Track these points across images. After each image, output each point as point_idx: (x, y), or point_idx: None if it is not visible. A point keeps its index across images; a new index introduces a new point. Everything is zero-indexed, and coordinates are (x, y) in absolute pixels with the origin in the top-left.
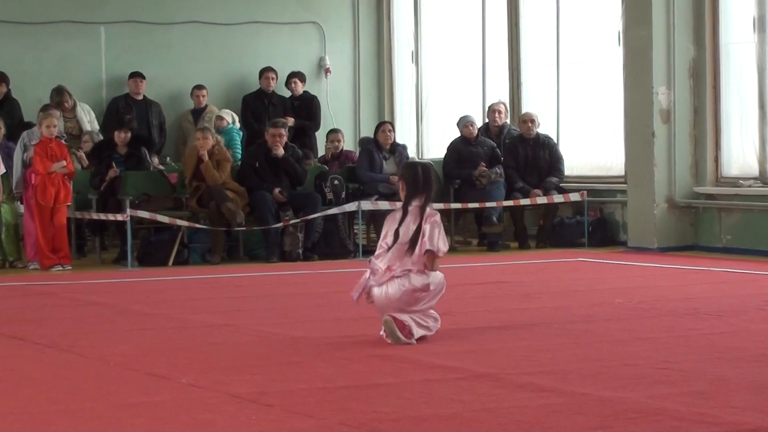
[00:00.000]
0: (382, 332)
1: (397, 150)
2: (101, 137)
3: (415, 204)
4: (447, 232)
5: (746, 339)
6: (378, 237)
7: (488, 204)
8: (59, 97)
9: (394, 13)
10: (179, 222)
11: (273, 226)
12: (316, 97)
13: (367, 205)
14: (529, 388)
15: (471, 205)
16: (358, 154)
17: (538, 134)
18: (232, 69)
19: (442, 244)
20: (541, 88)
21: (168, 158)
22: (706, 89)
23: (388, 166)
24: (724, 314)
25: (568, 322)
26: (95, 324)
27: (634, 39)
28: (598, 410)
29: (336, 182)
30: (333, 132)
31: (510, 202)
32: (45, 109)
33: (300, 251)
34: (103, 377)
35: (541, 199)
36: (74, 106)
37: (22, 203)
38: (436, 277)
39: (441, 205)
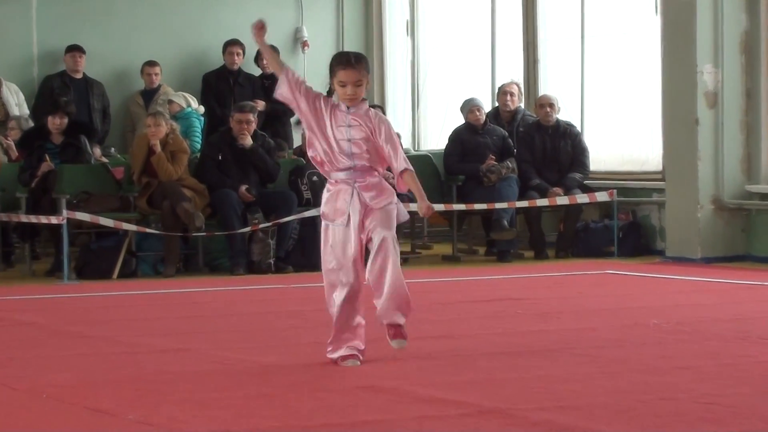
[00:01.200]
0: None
1: None
2: (31, 123)
3: None
4: (448, 238)
5: None
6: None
7: (498, 205)
8: None
9: None
10: (126, 226)
11: (239, 231)
12: None
13: None
14: (547, 426)
15: (477, 206)
16: None
17: (558, 121)
18: (190, 43)
19: None
20: (562, 66)
21: (113, 149)
22: (761, 68)
23: None
24: None
25: (594, 348)
26: (24, 349)
27: (674, 7)
28: None
29: (315, 178)
30: None
31: (524, 203)
32: None
33: (271, 261)
34: (34, 412)
35: (562, 200)
36: None
37: None
38: None
39: (441, 206)
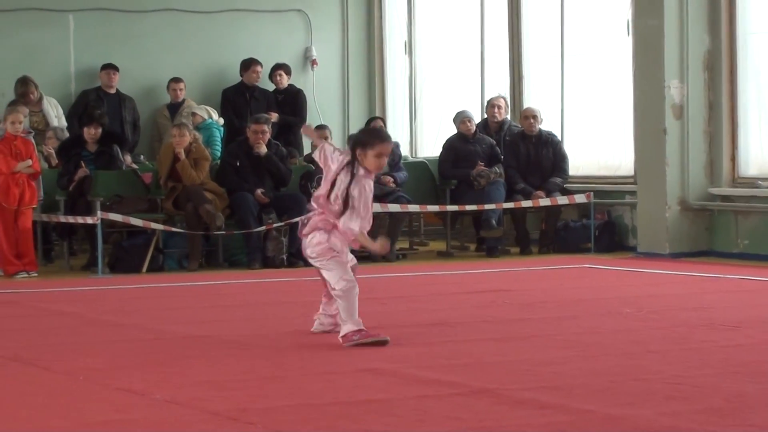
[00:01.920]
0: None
1: None
2: (67, 134)
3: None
4: (442, 235)
5: (765, 352)
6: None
7: (487, 206)
8: (24, 87)
9: (386, 0)
10: (154, 225)
11: (255, 229)
12: (301, 90)
13: None
14: (531, 404)
15: (468, 208)
16: None
17: (540, 131)
18: (211, 60)
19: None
20: (544, 82)
21: (142, 156)
22: (722, 83)
23: None
24: (741, 325)
25: (573, 334)
26: (62, 335)
27: (645, 28)
28: (605, 428)
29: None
30: (320, 128)
31: (510, 204)
32: (12, 104)
33: (284, 257)
34: (70, 393)
35: (544, 201)
36: (40, 99)
37: None
38: None
39: (436, 207)
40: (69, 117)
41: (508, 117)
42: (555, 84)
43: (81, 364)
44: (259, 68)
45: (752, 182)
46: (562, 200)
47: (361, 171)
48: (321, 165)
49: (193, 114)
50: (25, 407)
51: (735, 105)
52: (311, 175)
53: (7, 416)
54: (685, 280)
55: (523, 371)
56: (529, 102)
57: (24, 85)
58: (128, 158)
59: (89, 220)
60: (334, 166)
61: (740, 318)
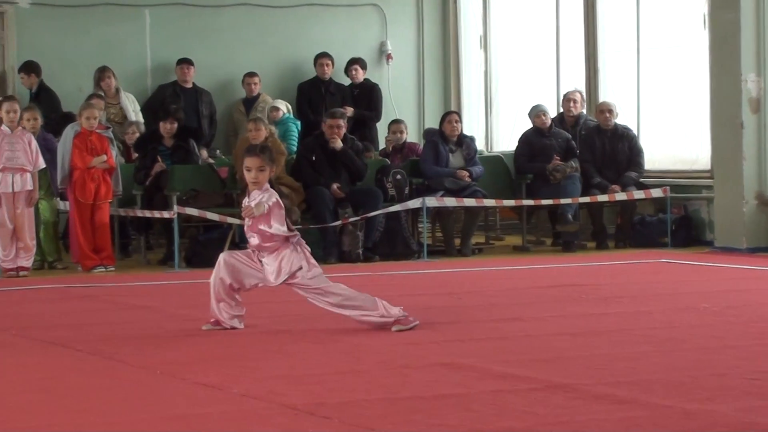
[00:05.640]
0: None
1: (465, 142)
2: (144, 129)
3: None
4: (518, 230)
5: None
6: (445, 236)
7: (563, 200)
8: (100, 73)
9: None
10: (230, 220)
11: (331, 224)
12: (377, 85)
13: (432, 201)
14: (608, 399)
15: (544, 202)
16: (422, 146)
17: (616, 125)
18: (287, 55)
19: None
20: (620, 76)
21: (218, 151)
22: None
23: (455, 159)
24: None
25: (650, 329)
26: (140, 330)
27: (721, 22)
28: (682, 424)
29: (398, 177)
30: (395, 123)
31: (586, 199)
32: (88, 99)
33: (360, 251)
34: (148, 387)
35: (620, 196)
36: (118, 91)
37: (63, 200)
38: None
39: (512, 202)
40: (144, 111)
41: (584, 111)
42: (631, 78)
43: (158, 359)
44: (326, 62)
45: None
46: (638, 194)
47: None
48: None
49: (275, 108)
50: (103, 401)
51: None
52: (387, 169)
53: (87, 410)
54: (763, 274)
55: (600, 366)
56: (604, 96)
57: (101, 71)
58: (204, 152)
59: (166, 215)
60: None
61: None
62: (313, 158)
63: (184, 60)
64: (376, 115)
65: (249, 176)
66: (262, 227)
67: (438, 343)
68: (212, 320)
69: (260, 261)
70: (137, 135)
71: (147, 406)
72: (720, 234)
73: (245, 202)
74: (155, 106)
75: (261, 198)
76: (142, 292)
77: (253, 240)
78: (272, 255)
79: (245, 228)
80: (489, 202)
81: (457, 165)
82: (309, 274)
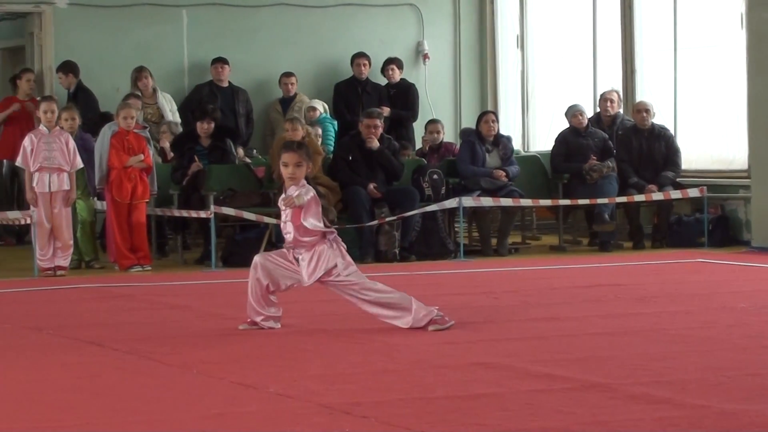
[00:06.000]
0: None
1: (501, 142)
2: (180, 129)
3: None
4: (555, 230)
5: None
6: (481, 235)
7: (600, 200)
8: (137, 73)
9: None
10: (267, 219)
11: (367, 224)
12: (413, 85)
13: (468, 201)
14: (644, 399)
15: (581, 202)
16: (458, 146)
17: (653, 125)
18: (323, 55)
19: None
20: (657, 75)
21: (255, 151)
22: None
23: (492, 159)
24: None
25: (687, 328)
26: (176, 329)
27: (758, 21)
28: (719, 424)
29: (435, 177)
30: (432, 122)
31: (623, 199)
32: (125, 99)
33: (396, 251)
34: (185, 386)
35: (657, 196)
36: (155, 91)
37: (100, 199)
38: None
39: (548, 201)
40: (182, 111)
41: (621, 111)
42: (668, 77)
43: (195, 358)
44: (363, 61)
45: None
46: (675, 194)
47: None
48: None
49: (312, 108)
50: (140, 400)
51: None
52: (424, 169)
53: (123, 409)
54: None
55: (636, 366)
56: (641, 96)
57: (138, 71)
58: (241, 152)
59: (203, 214)
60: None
61: None
62: (350, 158)
63: (218, 59)
64: (413, 115)
65: (286, 171)
66: (300, 221)
67: (474, 342)
68: (249, 320)
69: (296, 259)
70: (168, 135)
71: (183, 405)
72: (757, 234)
73: (282, 198)
74: (192, 106)
75: (300, 191)
76: (179, 291)
77: (289, 236)
78: (309, 252)
79: (282, 224)
80: (525, 202)
81: (493, 165)
82: (345, 271)
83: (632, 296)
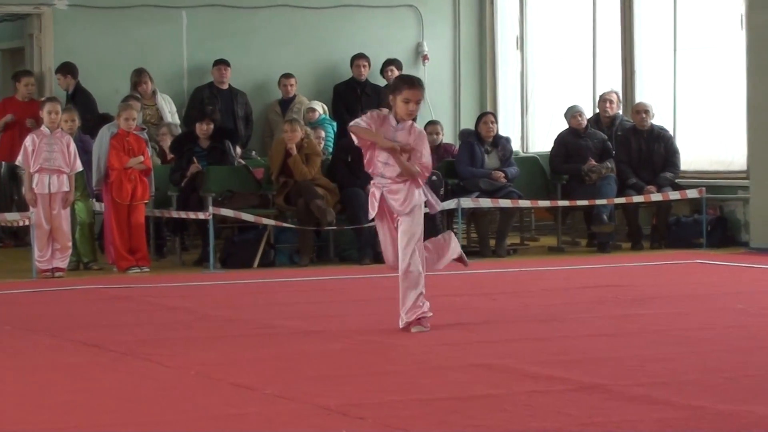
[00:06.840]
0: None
1: (500, 143)
2: (179, 130)
3: None
4: (553, 231)
5: None
6: (480, 236)
7: (598, 201)
8: (137, 77)
9: None
10: (265, 221)
11: (366, 225)
12: None
13: (467, 202)
14: (642, 400)
15: (580, 203)
16: (457, 147)
17: (652, 126)
18: (323, 56)
19: None
20: (656, 76)
21: (253, 152)
22: None
23: (490, 160)
24: None
25: (685, 329)
26: (175, 330)
27: (758, 22)
28: (717, 425)
29: (434, 178)
30: (431, 124)
31: (622, 200)
32: (125, 100)
33: None
34: (183, 388)
35: (656, 197)
36: (154, 93)
37: (99, 201)
38: None
39: (547, 202)
40: (185, 119)
41: (620, 112)
42: (667, 79)
43: (193, 359)
44: (363, 63)
45: None
46: (673, 195)
47: (393, 121)
48: (361, 145)
49: (312, 109)
50: (138, 401)
51: None
52: None
53: (121, 410)
54: None
55: (635, 367)
56: (640, 97)
57: (138, 75)
58: (239, 152)
59: (201, 216)
60: (373, 127)
61: None
62: (349, 159)
63: (220, 61)
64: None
65: (406, 108)
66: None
67: (472, 343)
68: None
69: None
70: (167, 137)
71: (181, 406)
72: (756, 235)
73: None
74: (194, 110)
75: (411, 137)
76: (177, 293)
77: (390, 171)
78: (402, 186)
79: (383, 160)
80: (524, 203)
81: (492, 166)
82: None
83: (631, 297)
